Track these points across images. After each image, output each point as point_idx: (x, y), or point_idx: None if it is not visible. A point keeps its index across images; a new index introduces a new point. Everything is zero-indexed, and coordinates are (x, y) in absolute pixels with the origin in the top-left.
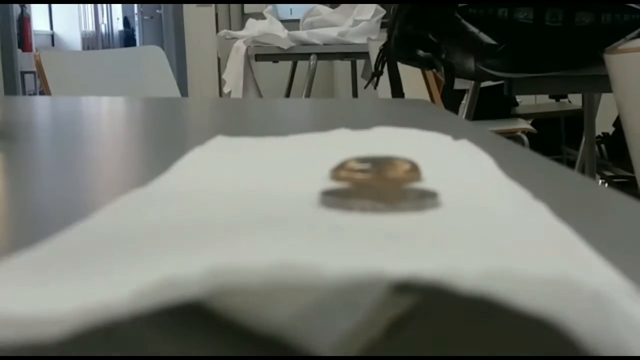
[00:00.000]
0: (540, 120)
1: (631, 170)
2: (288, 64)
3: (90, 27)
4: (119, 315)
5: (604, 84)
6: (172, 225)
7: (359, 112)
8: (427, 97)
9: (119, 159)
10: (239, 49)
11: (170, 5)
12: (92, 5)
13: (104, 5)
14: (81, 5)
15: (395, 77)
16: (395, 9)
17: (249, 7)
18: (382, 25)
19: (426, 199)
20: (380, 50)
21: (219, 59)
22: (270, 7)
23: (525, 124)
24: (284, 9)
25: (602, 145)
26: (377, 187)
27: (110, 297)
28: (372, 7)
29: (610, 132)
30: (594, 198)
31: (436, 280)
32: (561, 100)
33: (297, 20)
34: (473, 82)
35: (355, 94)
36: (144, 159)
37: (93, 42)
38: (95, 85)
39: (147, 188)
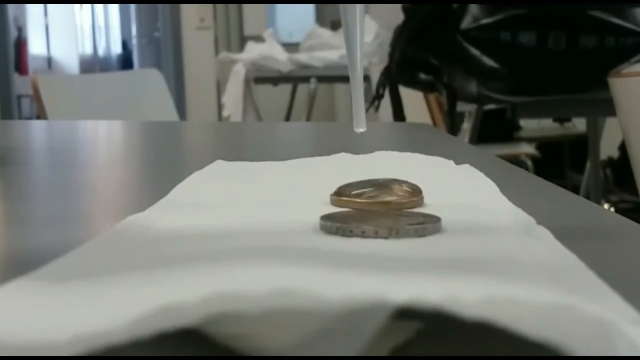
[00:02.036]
0: (544, 144)
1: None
2: (288, 88)
3: (88, 50)
4: (116, 343)
5: (608, 107)
6: (171, 252)
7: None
8: (429, 120)
9: (117, 184)
10: (239, 72)
11: (169, 28)
12: (90, 28)
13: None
14: (78, 27)
15: (397, 101)
16: (397, 32)
17: (248, 30)
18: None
19: (428, 224)
20: (382, 74)
21: (218, 82)
22: (270, 30)
23: (529, 148)
24: (284, 32)
25: (608, 170)
26: (378, 212)
27: (108, 325)
28: (372, 30)
29: (616, 156)
30: (599, 223)
31: (438, 306)
32: (565, 124)
33: (297, 44)
34: (475, 105)
35: None
36: (143, 184)
37: (90, 65)
38: (93, 108)
39: (145, 213)
